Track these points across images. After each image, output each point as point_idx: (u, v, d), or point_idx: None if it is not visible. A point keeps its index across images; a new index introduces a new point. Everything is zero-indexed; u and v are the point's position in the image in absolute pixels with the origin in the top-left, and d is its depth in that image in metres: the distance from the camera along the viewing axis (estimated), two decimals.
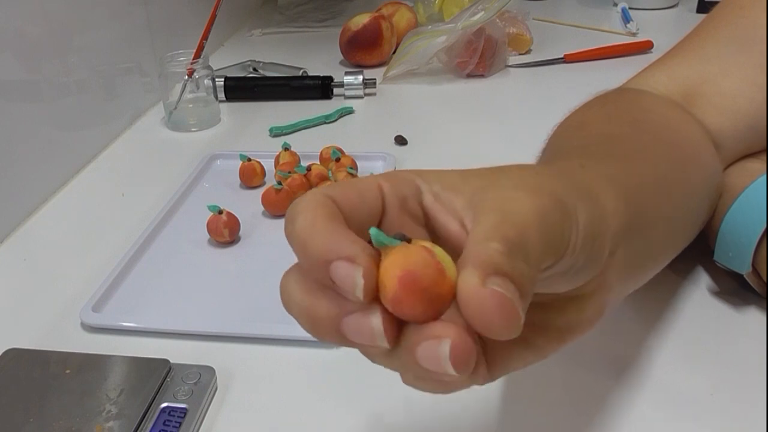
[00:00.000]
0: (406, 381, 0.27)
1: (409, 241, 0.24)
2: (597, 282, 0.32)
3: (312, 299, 0.26)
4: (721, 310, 0.48)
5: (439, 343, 0.23)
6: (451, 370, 0.23)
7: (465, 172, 0.30)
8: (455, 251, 0.26)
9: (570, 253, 0.29)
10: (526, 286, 0.25)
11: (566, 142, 0.45)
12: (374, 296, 0.24)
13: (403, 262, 0.23)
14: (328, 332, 0.26)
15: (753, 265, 0.45)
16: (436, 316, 0.24)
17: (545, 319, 0.31)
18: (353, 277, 0.24)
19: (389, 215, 0.29)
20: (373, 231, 0.24)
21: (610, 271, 0.33)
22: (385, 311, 0.24)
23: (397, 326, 0.25)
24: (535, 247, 0.26)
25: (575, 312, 0.32)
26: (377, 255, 0.24)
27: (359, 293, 0.24)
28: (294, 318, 0.27)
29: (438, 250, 0.24)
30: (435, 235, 0.30)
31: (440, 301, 0.24)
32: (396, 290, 0.23)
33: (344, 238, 0.25)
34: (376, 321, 0.24)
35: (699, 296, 0.49)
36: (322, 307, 0.25)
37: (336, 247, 0.24)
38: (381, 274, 0.24)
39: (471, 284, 0.23)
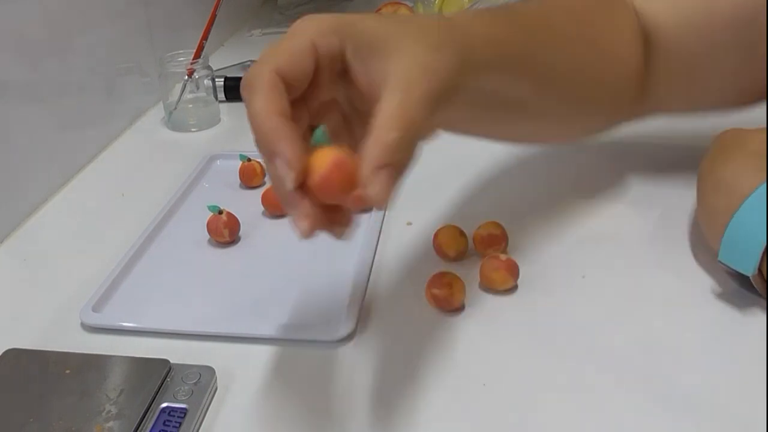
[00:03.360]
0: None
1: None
2: None
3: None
4: (721, 310, 0.48)
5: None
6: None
7: (379, 25, 0.38)
8: (364, 100, 0.37)
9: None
10: (404, 169, 0.35)
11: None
12: (301, 185, 0.34)
13: (336, 154, 0.34)
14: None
15: (759, 268, 0.45)
16: (347, 192, 0.34)
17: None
18: (286, 176, 0.34)
19: (321, 73, 0.38)
20: (317, 133, 0.35)
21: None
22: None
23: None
24: (421, 125, 0.36)
25: None
26: (307, 150, 0.34)
27: (289, 186, 0.34)
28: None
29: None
30: (352, 84, 0.38)
31: (353, 184, 0.34)
32: (327, 171, 0.33)
33: (287, 139, 0.34)
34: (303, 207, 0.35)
35: (699, 296, 0.49)
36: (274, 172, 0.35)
37: (278, 147, 0.34)
38: (313, 162, 0.34)
39: (369, 170, 0.33)
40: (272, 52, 0.37)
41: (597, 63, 0.53)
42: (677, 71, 0.56)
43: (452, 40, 0.40)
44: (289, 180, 0.34)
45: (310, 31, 0.37)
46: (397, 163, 0.34)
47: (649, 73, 0.56)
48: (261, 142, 0.35)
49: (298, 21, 0.39)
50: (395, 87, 0.36)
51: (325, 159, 0.33)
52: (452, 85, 0.38)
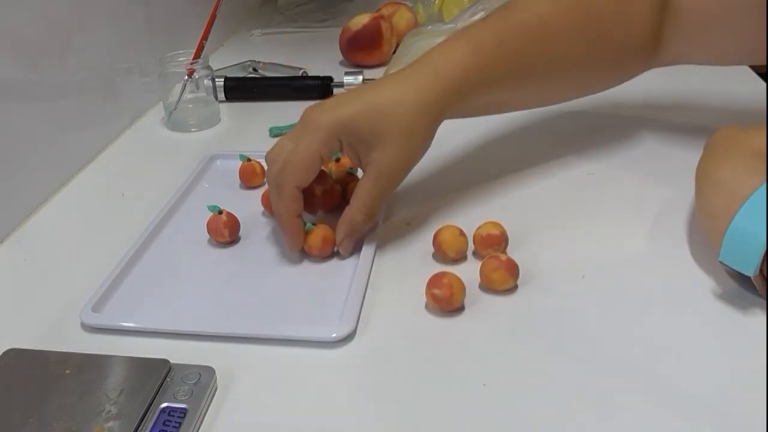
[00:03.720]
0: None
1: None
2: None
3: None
4: (721, 310, 0.48)
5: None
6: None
7: (369, 121, 0.52)
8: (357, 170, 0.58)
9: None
10: (362, 232, 0.55)
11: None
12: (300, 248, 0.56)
13: (323, 234, 0.55)
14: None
15: (760, 268, 0.44)
16: (330, 251, 0.55)
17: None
18: (291, 249, 0.55)
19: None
20: (307, 225, 0.55)
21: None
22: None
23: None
24: (384, 202, 0.55)
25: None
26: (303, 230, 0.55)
27: (291, 252, 0.56)
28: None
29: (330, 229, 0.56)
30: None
31: (333, 245, 0.55)
32: (320, 244, 0.55)
33: (294, 233, 0.54)
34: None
35: (699, 296, 0.49)
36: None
37: (287, 236, 0.55)
38: (311, 237, 0.55)
39: (340, 239, 0.54)
40: (292, 167, 0.52)
41: (605, 30, 0.57)
42: (693, 31, 0.59)
43: (436, 96, 0.54)
44: (290, 250, 0.55)
45: (317, 142, 0.52)
46: (360, 230, 0.54)
47: (664, 32, 0.58)
48: (279, 221, 0.55)
49: (306, 121, 0.52)
50: (370, 176, 0.53)
51: (316, 239, 0.55)
52: (432, 134, 0.55)
